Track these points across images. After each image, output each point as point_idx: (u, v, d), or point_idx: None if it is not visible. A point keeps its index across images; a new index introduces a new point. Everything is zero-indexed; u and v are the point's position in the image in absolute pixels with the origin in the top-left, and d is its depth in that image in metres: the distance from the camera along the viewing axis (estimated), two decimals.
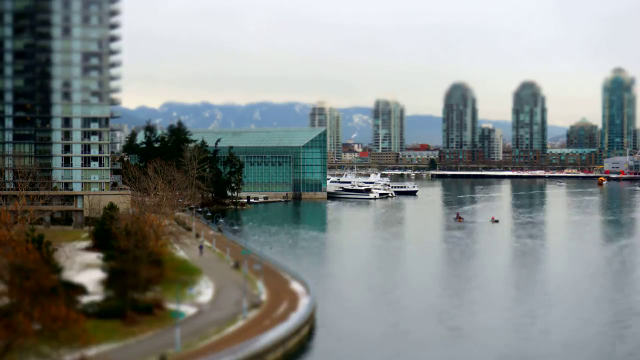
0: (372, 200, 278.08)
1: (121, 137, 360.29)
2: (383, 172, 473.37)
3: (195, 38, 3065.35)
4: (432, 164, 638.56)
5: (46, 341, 50.80)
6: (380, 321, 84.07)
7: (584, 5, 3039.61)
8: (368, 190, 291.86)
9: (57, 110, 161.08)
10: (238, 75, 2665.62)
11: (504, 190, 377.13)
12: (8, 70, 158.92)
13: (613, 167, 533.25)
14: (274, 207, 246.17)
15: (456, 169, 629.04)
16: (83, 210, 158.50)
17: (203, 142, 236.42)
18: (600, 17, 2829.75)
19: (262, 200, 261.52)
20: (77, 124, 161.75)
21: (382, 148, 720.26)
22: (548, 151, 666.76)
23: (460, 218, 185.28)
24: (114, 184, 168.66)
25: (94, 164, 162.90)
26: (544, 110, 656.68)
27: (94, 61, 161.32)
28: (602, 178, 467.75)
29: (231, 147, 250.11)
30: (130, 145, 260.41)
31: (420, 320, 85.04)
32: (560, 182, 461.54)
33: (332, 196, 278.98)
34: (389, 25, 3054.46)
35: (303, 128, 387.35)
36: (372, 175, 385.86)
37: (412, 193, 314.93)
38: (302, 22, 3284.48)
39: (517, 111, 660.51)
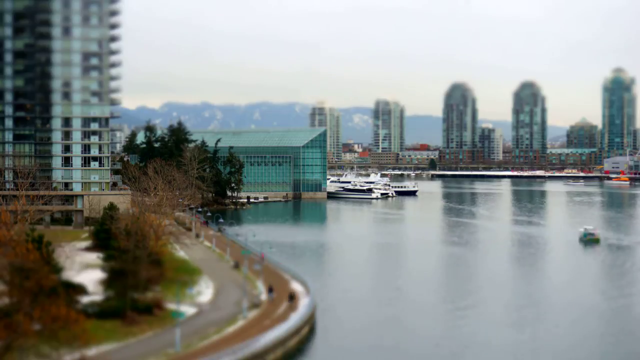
0: (374, 200, 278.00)
1: (121, 137, 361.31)
2: (383, 172, 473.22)
3: (196, 37, 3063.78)
4: (432, 164, 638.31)
5: (46, 341, 50.78)
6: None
7: (585, 5, 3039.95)
8: (369, 190, 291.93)
9: (57, 110, 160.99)
10: (239, 75, 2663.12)
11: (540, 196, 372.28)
12: (8, 70, 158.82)
13: (613, 167, 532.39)
14: (274, 207, 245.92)
15: (456, 169, 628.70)
16: (83, 210, 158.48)
17: (203, 142, 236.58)
18: (601, 17, 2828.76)
19: (262, 200, 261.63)
20: (77, 124, 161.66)
21: (382, 148, 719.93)
22: (548, 151, 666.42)
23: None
24: (114, 184, 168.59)
25: (94, 164, 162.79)
26: (544, 110, 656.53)
27: (94, 61, 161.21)
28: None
29: (231, 147, 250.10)
30: (130, 145, 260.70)
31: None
32: (581, 181, 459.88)
33: (332, 196, 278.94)
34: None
35: (303, 128, 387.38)
36: (372, 175, 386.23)
37: (413, 193, 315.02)
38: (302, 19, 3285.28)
39: (517, 111, 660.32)
